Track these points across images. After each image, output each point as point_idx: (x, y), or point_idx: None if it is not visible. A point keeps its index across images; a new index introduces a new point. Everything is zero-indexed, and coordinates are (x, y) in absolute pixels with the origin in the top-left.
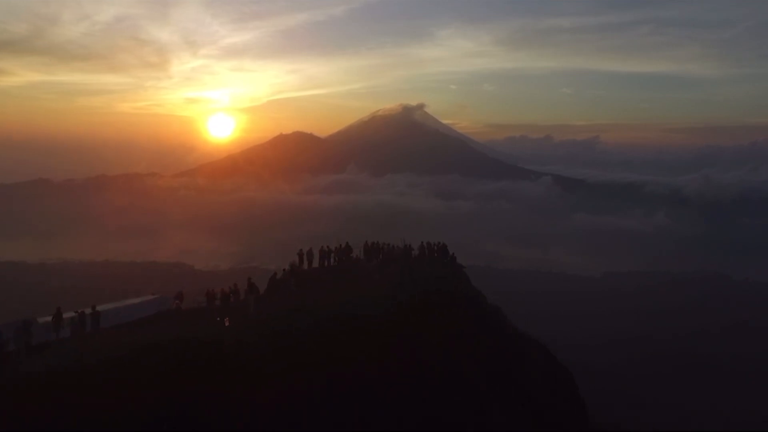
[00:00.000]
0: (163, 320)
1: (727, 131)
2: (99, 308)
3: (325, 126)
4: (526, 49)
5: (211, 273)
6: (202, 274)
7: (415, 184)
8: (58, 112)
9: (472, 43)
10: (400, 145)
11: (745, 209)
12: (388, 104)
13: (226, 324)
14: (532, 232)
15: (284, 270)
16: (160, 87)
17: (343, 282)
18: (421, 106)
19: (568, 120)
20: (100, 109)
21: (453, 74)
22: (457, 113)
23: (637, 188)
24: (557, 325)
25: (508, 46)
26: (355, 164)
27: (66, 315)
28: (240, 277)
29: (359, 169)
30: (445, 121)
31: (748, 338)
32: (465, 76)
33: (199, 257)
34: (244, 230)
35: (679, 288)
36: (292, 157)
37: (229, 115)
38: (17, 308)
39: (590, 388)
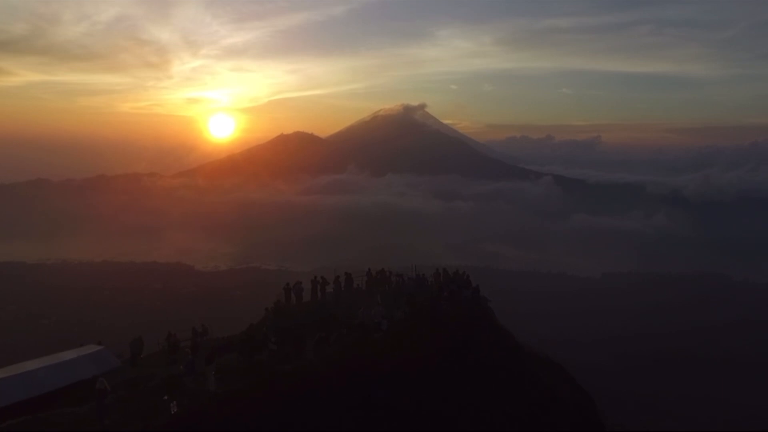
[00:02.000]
0: (97, 389)
1: (727, 131)
2: (6, 372)
3: (325, 126)
4: (526, 49)
5: (210, 273)
6: (202, 274)
7: (415, 184)
8: (58, 112)
9: (472, 43)
10: (400, 145)
11: (745, 209)
12: (388, 104)
13: (173, 411)
14: (532, 232)
15: (266, 309)
16: (161, 87)
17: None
18: (422, 106)
19: (568, 120)
20: (100, 109)
21: (453, 74)
22: (458, 113)
23: (637, 188)
24: (557, 325)
25: (508, 46)
26: (355, 164)
27: None
28: (240, 277)
29: (359, 169)
30: (445, 121)
31: (748, 338)
32: (465, 76)
33: (199, 257)
34: (244, 230)
35: (680, 288)
36: (293, 157)
37: (229, 115)
38: (16, 309)
39: (590, 388)
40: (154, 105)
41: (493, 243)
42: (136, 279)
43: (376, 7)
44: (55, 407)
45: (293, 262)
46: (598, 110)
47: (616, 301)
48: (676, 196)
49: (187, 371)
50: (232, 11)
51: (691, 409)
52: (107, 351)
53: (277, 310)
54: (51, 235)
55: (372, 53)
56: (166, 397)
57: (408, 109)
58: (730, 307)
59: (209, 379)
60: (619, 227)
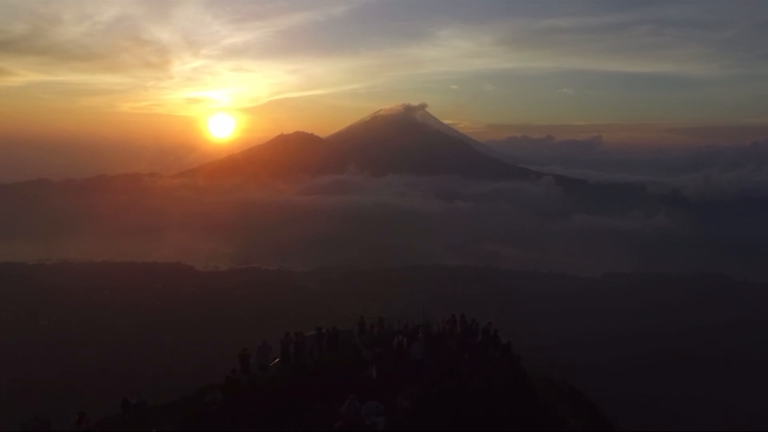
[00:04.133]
0: None
1: (727, 131)
2: None
3: (326, 126)
4: (526, 49)
5: (210, 273)
6: (202, 275)
7: (415, 184)
8: (58, 112)
9: (472, 43)
10: (400, 145)
11: (745, 209)
12: (388, 104)
13: None
14: (532, 232)
15: (213, 389)
16: (161, 87)
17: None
18: (422, 106)
19: (569, 120)
20: (100, 109)
21: (453, 74)
22: (458, 113)
23: (638, 189)
24: (557, 325)
25: (508, 46)
26: (355, 164)
27: None
28: (240, 277)
29: (359, 169)
30: (446, 121)
31: (748, 338)
32: (465, 76)
33: (199, 257)
34: (244, 231)
35: (680, 288)
36: (294, 157)
37: (229, 115)
38: (16, 309)
39: (591, 388)
40: (154, 105)
41: (493, 243)
42: (136, 279)
43: (376, 7)
44: None
45: (293, 262)
46: (598, 110)
47: (616, 301)
48: (676, 196)
49: None
50: (233, 11)
51: (691, 409)
52: None
53: (228, 391)
54: (51, 235)
55: (372, 53)
56: None
57: (408, 109)
58: (730, 307)
59: None
60: (619, 227)
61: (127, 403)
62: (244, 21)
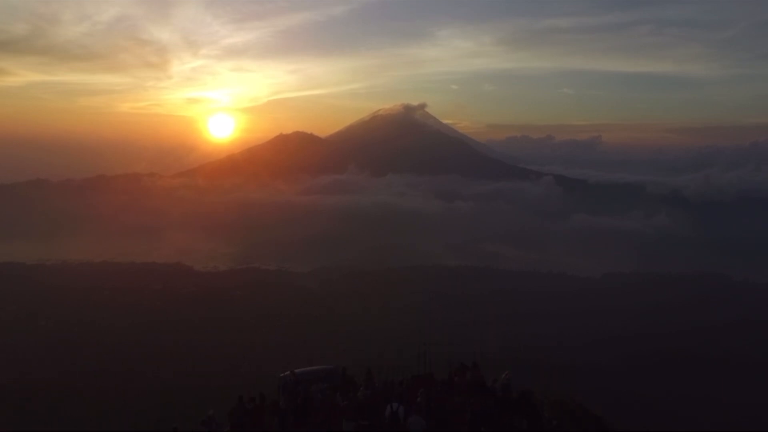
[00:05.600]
0: None
1: (727, 131)
2: None
3: (325, 126)
4: (526, 49)
5: (210, 273)
6: (202, 275)
7: (415, 184)
8: (58, 112)
9: (472, 43)
10: (400, 145)
11: (745, 209)
12: (388, 104)
13: None
14: (532, 232)
15: None
16: (161, 87)
17: None
18: (422, 106)
19: (569, 120)
20: (100, 109)
21: (453, 74)
22: (458, 113)
23: (637, 188)
24: (557, 325)
25: (508, 46)
26: (355, 164)
27: None
28: (240, 277)
29: (359, 169)
30: (445, 121)
31: (748, 338)
32: (465, 76)
33: (199, 258)
34: (244, 231)
35: (680, 288)
36: (293, 157)
37: (229, 115)
38: (16, 309)
39: (591, 388)
40: (154, 105)
41: (493, 243)
42: (136, 279)
43: (376, 7)
44: None
45: (293, 262)
46: (598, 110)
47: (616, 301)
48: (676, 196)
49: None
50: (233, 11)
51: (691, 409)
52: None
53: None
54: (51, 235)
55: (372, 53)
56: None
57: (408, 109)
58: (730, 307)
59: None
60: (619, 227)
61: None
62: (244, 21)
